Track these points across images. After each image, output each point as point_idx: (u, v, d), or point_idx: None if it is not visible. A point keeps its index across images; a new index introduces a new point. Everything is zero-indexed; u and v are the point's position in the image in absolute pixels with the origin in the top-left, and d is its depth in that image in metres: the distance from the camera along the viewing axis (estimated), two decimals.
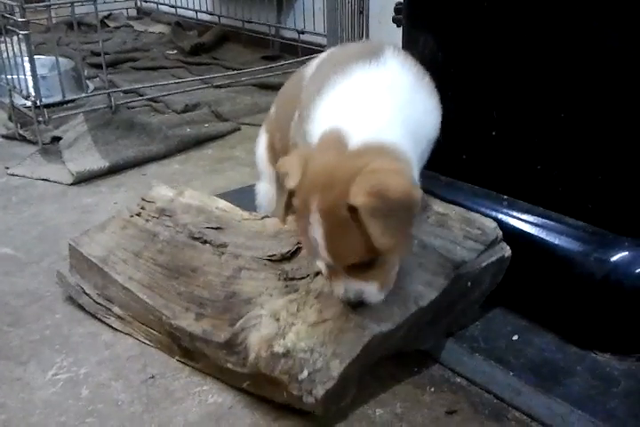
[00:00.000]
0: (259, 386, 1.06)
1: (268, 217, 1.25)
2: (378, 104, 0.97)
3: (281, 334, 1.01)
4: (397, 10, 1.41)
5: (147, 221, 1.31)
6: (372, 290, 0.94)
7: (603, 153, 1.09)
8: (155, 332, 1.21)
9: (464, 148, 1.28)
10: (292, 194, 0.92)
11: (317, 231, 0.88)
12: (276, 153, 1.30)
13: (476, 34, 1.21)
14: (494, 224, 1.14)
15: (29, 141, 2.19)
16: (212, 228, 1.24)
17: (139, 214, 1.32)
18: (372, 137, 0.92)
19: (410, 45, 1.32)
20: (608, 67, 1.05)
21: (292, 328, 1.01)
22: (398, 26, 1.40)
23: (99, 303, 1.28)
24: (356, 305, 0.96)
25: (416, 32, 1.31)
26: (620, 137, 1.07)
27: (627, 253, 1.08)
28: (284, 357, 0.98)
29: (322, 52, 2.42)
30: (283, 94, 1.32)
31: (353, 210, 0.85)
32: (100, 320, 1.29)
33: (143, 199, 1.35)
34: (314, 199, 0.88)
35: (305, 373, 0.96)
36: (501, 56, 1.18)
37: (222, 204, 1.31)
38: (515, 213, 1.20)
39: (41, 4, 2.29)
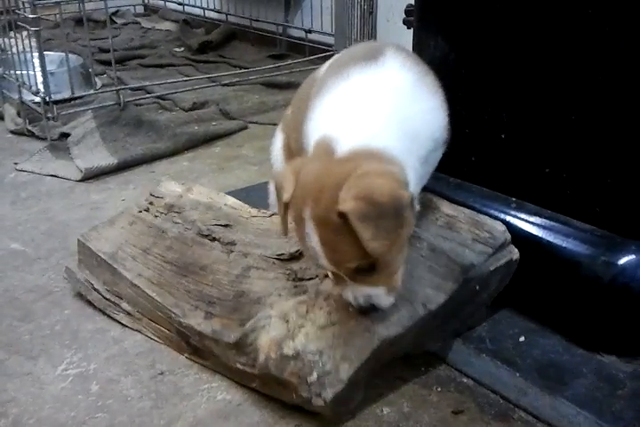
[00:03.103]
0: (268, 387, 1.07)
1: (276, 214, 1.26)
2: (371, 109, 0.96)
3: (290, 335, 1.01)
4: (408, 12, 1.41)
5: (155, 216, 1.32)
6: (379, 294, 0.95)
7: (612, 156, 1.10)
8: (164, 329, 1.22)
9: (473, 150, 1.29)
10: (287, 206, 0.94)
11: (313, 239, 0.90)
12: (292, 153, 1.31)
13: (487, 36, 1.22)
14: (503, 227, 1.14)
15: (38, 137, 2.20)
16: (220, 225, 1.25)
17: (147, 210, 1.33)
18: (360, 143, 0.92)
19: (420, 47, 1.33)
20: (619, 71, 1.06)
21: (301, 330, 1.01)
22: (409, 28, 1.41)
23: (107, 299, 1.29)
24: (368, 310, 0.97)
25: (427, 34, 1.32)
26: (629, 141, 1.08)
27: (634, 256, 1.09)
28: (294, 359, 0.99)
29: (329, 51, 2.44)
30: (298, 95, 1.32)
31: (343, 216, 0.86)
32: (108, 316, 1.30)
33: (151, 194, 1.36)
34: (306, 208, 0.89)
35: (314, 375, 0.97)
36: (512, 59, 1.19)
37: (231, 201, 1.32)
38: (523, 216, 1.20)
39: (51, 1, 2.30)
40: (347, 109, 0.97)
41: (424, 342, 1.13)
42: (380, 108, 0.96)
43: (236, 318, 1.11)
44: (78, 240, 1.36)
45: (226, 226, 1.25)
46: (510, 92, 1.21)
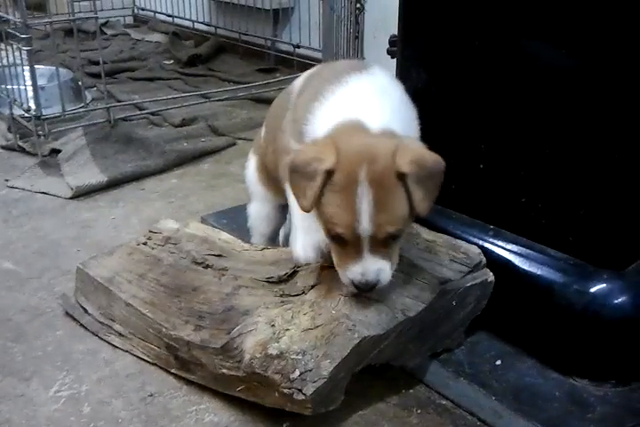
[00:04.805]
0: (251, 389, 1.12)
1: (267, 249, 1.31)
2: (380, 101, 1.07)
3: (275, 338, 1.07)
4: (392, 42, 1.46)
5: (152, 248, 1.37)
6: (387, 269, 1.02)
7: (585, 188, 1.15)
8: (153, 346, 1.26)
9: (453, 178, 1.33)
10: (329, 173, 0.97)
11: (365, 199, 0.95)
12: (267, 173, 1.36)
13: (467, 71, 1.27)
14: (478, 250, 1.21)
15: (28, 153, 2.23)
16: (214, 255, 1.30)
17: (145, 243, 1.39)
18: (385, 124, 1.02)
19: (403, 77, 1.36)
20: (592, 107, 1.11)
21: (285, 333, 1.07)
22: (392, 57, 1.45)
23: (100, 322, 1.33)
24: (371, 287, 1.02)
25: (410, 65, 1.37)
26: (601, 174, 1.13)
27: (605, 285, 1.14)
28: (278, 358, 1.05)
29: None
30: (272, 113, 1.37)
31: (400, 177, 0.96)
32: (99, 337, 1.33)
33: (150, 231, 1.42)
34: (360, 171, 0.95)
35: (297, 372, 1.03)
36: (490, 93, 1.24)
37: (225, 236, 1.38)
38: (500, 243, 1.25)
39: (43, 22, 2.33)
40: (359, 102, 1.06)
41: (403, 354, 1.18)
42: (385, 104, 1.07)
43: (225, 329, 1.16)
44: (77, 268, 1.40)
45: (219, 256, 1.30)
46: (488, 124, 1.26)
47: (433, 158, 0.99)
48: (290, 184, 1.03)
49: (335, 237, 1.02)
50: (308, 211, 1.01)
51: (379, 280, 1.01)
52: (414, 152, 0.98)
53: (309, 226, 1.13)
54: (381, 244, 0.99)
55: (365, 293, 1.05)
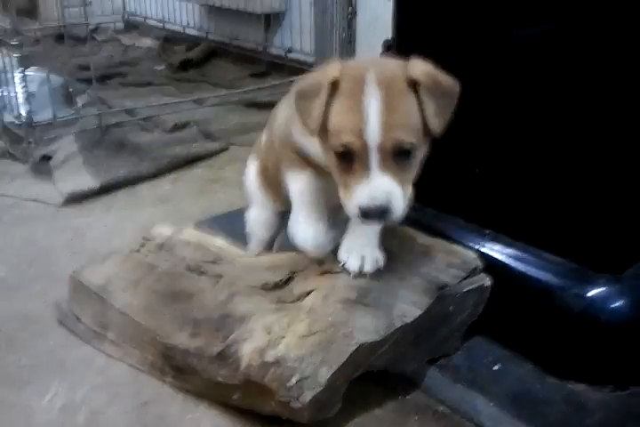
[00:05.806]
0: (248, 397, 1.11)
1: (262, 255, 1.30)
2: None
3: (272, 345, 1.07)
4: (387, 46, 1.46)
5: (146, 256, 1.36)
6: (398, 194, 0.92)
7: (582, 192, 1.15)
8: (147, 355, 1.25)
9: (449, 182, 1.33)
10: (334, 85, 0.93)
11: (372, 104, 0.90)
12: (267, 178, 1.35)
13: (461, 75, 1.26)
14: (475, 255, 1.21)
15: (19, 160, 2.20)
16: (208, 261, 1.29)
17: (138, 251, 1.37)
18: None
19: None
20: (589, 110, 1.11)
21: (282, 340, 1.07)
22: None
23: (94, 331, 1.32)
24: (380, 214, 0.92)
25: None
26: (598, 178, 1.13)
27: (603, 289, 1.14)
28: (274, 365, 1.04)
29: (309, 71, 2.46)
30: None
31: (412, 84, 0.92)
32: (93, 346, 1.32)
33: (144, 238, 1.41)
34: (368, 75, 0.91)
35: (294, 380, 1.02)
36: (485, 97, 1.23)
37: (219, 242, 1.36)
38: (497, 247, 1.25)
39: (33, 28, 2.31)
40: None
41: (400, 360, 1.17)
42: None
43: (220, 336, 1.15)
44: (70, 276, 1.39)
45: (213, 262, 1.29)
46: (483, 129, 1.25)
47: (448, 78, 0.95)
48: (297, 112, 0.98)
49: (342, 155, 0.94)
50: (314, 133, 0.96)
51: (389, 206, 0.91)
52: (428, 67, 0.95)
53: (311, 214, 1.12)
54: (392, 160, 0.91)
55: (376, 220, 0.94)
